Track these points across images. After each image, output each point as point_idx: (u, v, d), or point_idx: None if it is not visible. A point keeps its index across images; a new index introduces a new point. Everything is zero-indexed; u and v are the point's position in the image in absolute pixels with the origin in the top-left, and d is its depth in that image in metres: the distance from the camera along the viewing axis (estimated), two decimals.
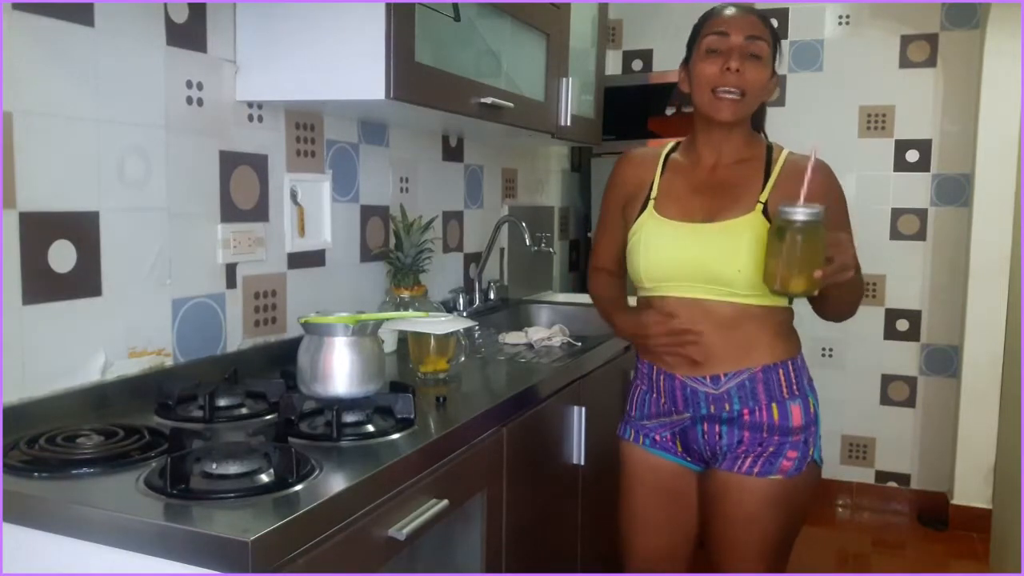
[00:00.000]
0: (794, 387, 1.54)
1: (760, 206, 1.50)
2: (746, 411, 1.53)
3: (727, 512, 1.55)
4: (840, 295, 1.49)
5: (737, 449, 1.54)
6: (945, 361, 3.48)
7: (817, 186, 1.48)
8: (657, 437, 1.64)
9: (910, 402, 3.55)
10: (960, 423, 3.32)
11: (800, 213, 1.32)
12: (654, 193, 1.60)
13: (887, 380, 3.57)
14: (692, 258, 1.51)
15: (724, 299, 1.51)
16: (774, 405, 1.53)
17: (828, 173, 1.54)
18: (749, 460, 1.53)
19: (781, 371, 1.53)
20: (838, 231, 1.46)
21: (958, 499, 3.34)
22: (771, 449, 1.52)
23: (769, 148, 1.59)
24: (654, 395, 1.63)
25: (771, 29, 1.54)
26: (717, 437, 1.56)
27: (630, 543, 1.70)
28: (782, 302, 1.53)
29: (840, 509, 3.62)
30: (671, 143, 1.68)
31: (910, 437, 3.56)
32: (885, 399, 3.58)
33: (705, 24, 1.55)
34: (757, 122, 1.64)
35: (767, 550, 1.55)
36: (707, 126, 1.57)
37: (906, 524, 3.47)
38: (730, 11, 1.53)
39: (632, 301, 1.71)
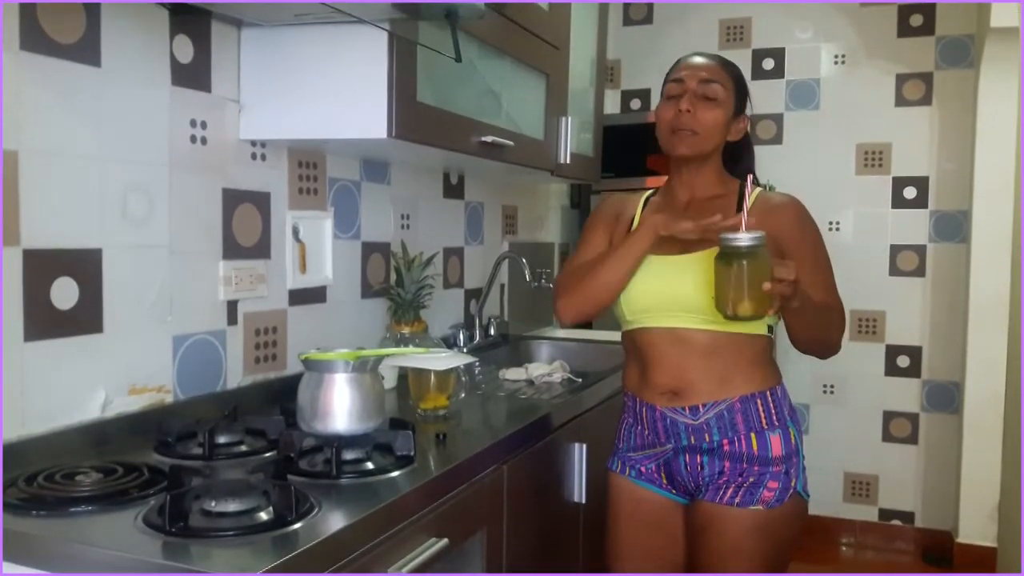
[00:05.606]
0: (773, 417, 1.57)
1: None
2: (726, 441, 1.56)
3: (710, 543, 1.57)
4: (801, 321, 1.50)
5: (719, 480, 1.56)
6: (947, 397, 3.47)
7: (788, 222, 1.56)
8: (643, 469, 1.66)
9: (912, 439, 3.53)
10: (963, 460, 3.30)
11: (742, 239, 1.38)
12: (634, 228, 1.65)
13: (889, 417, 3.56)
14: (668, 288, 1.57)
15: (701, 327, 1.55)
16: (753, 435, 1.55)
17: (801, 210, 1.61)
18: (731, 490, 1.55)
19: (759, 401, 1.56)
20: (810, 264, 1.53)
21: (963, 537, 3.30)
22: (751, 479, 1.54)
23: (743, 186, 1.63)
24: (638, 427, 1.66)
25: (732, 74, 1.64)
26: (699, 468, 1.58)
27: (614, 573, 1.71)
28: (760, 330, 1.57)
29: (844, 548, 3.58)
30: (651, 190, 1.77)
31: (913, 474, 3.53)
32: (887, 436, 3.56)
33: (668, 73, 1.66)
34: (746, 163, 1.70)
35: None
36: (677, 165, 1.67)
37: (911, 563, 3.43)
38: (690, 60, 1.65)
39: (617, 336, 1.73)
